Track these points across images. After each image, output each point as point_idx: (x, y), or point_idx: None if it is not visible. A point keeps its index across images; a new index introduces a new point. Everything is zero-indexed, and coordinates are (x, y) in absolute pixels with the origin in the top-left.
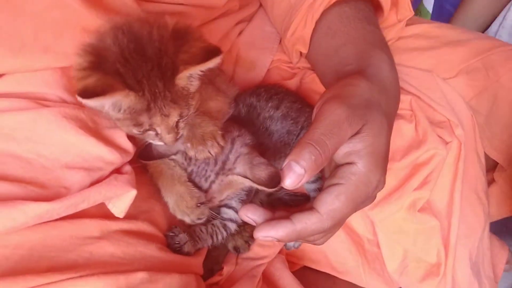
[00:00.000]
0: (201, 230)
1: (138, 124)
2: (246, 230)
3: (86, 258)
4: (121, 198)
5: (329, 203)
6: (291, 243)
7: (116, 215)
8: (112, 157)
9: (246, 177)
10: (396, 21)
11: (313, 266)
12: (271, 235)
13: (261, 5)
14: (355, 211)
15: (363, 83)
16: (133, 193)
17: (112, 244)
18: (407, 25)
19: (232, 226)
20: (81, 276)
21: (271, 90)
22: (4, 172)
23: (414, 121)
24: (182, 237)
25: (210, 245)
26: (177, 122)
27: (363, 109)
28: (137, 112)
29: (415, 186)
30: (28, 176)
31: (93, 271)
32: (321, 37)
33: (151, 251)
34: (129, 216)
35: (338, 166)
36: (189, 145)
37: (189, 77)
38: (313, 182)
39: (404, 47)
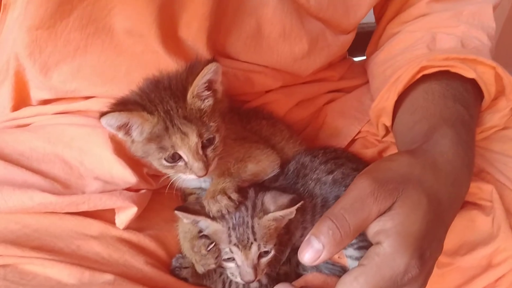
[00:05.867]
0: (214, 271)
1: (162, 149)
2: None
3: (71, 249)
4: (125, 212)
5: (347, 285)
6: None
7: (117, 225)
8: (132, 180)
9: (269, 211)
10: (506, 107)
11: None
12: None
13: None
14: None
15: (403, 158)
16: (133, 209)
17: (101, 245)
18: None
19: (253, 285)
20: (52, 260)
21: (331, 153)
22: (48, 170)
23: (493, 214)
24: (187, 261)
25: None
26: (203, 147)
27: (394, 184)
28: (158, 135)
29: None
30: (63, 178)
31: (66, 259)
32: (403, 113)
33: (136, 262)
34: (134, 228)
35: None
36: (205, 201)
37: (196, 95)
38: None
39: None
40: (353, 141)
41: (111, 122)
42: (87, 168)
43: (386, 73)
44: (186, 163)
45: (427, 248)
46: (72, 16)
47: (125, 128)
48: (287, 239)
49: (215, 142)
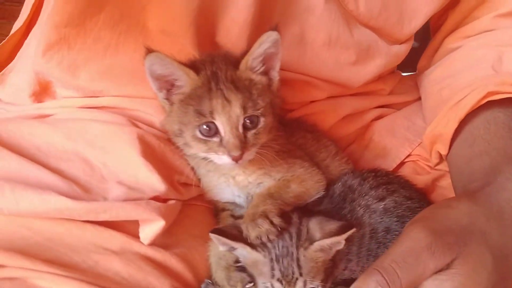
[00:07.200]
0: None
1: (199, 114)
2: None
3: (88, 265)
4: (150, 225)
5: None
6: None
7: (141, 240)
8: (160, 187)
9: (315, 240)
10: None
11: None
12: None
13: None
14: None
15: (464, 206)
16: (160, 223)
17: (122, 263)
18: None
19: None
20: (66, 276)
21: (383, 177)
22: (67, 169)
23: None
24: None
25: None
26: (245, 128)
27: (455, 237)
28: (199, 95)
29: None
30: (83, 179)
31: (81, 277)
32: (461, 143)
33: (161, 285)
34: (160, 244)
35: None
36: (244, 225)
37: (249, 67)
38: None
39: None
40: (401, 164)
41: (155, 66)
42: (110, 170)
43: (442, 93)
44: (221, 140)
45: None
46: (102, 13)
47: (167, 82)
48: (330, 272)
49: (259, 127)
